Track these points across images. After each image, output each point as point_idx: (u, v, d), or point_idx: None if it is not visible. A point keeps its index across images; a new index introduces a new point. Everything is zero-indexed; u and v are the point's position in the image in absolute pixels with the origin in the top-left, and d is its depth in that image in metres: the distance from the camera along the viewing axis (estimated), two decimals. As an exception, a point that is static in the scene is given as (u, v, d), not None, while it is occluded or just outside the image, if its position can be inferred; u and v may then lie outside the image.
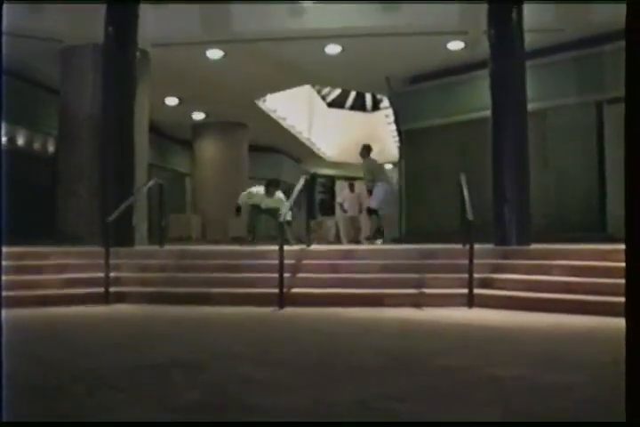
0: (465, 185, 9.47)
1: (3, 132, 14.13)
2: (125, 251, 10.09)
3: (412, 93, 16.10)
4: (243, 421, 2.96)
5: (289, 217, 10.66)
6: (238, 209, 12.95)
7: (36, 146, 16.62)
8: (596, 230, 12.44)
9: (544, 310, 7.20)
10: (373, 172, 13.77)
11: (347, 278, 8.74)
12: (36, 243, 11.08)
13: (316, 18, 12.87)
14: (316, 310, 7.63)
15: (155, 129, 17.15)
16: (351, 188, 18.76)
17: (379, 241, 13.56)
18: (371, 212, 13.79)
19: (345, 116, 27.87)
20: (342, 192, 19.55)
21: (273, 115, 20.58)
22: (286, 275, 8.24)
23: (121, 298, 8.60)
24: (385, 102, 24.87)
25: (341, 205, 18.62)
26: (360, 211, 18.39)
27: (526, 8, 10.01)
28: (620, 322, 2.90)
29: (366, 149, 13.97)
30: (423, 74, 15.49)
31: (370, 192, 13.69)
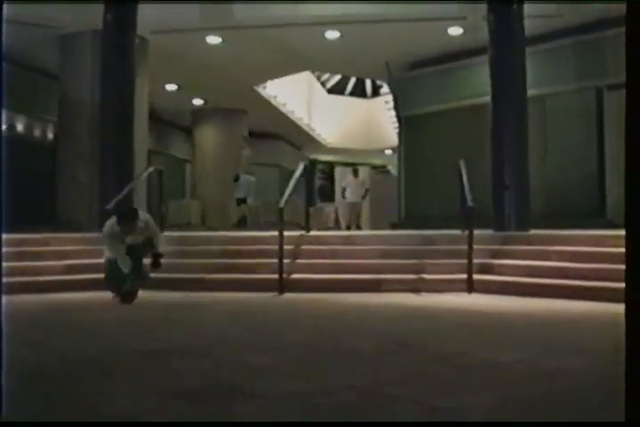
0: (464, 171, 9.48)
1: (3, 118, 14.09)
2: (125, 237, 10.08)
3: (412, 79, 16.05)
4: (243, 421, 2.96)
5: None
6: None
7: (36, 132, 16.59)
8: (596, 216, 12.44)
9: (543, 295, 7.23)
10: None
11: (346, 264, 8.76)
12: (37, 229, 11.08)
13: (315, 4, 12.81)
14: (315, 296, 7.66)
15: (154, 115, 17.11)
16: (355, 173, 18.75)
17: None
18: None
19: (345, 102, 27.78)
20: (346, 177, 19.55)
21: (273, 101, 20.53)
22: (286, 261, 8.27)
23: (121, 284, 8.61)
24: (385, 88, 24.80)
25: (344, 191, 18.60)
26: (363, 197, 18.40)
27: (526, -7, 9.99)
28: (619, 307, 2.91)
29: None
30: (423, 60, 15.43)
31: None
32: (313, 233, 10.36)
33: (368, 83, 27.94)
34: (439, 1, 12.09)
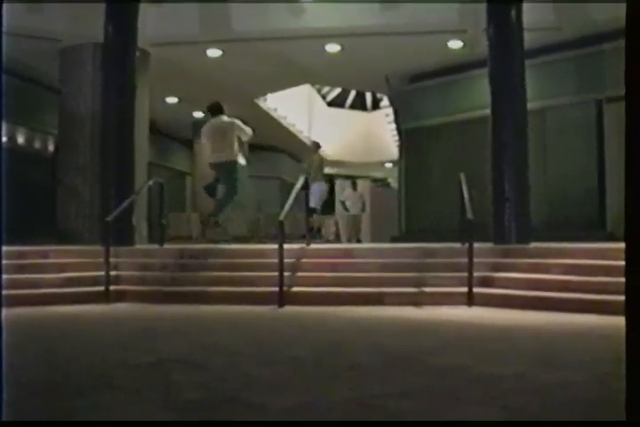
0: (465, 184, 9.47)
1: (3, 131, 14.11)
2: (125, 250, 10.08)
3: (412, 92, 16.10)
4: (243, 420, 2.96)
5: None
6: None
7: (36, 145, 16.62)
8: (596, 229, 12.44)
9: (543, 308, 7.20)
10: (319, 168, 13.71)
11: (346, 277, 8.73)
12: (37, 242, 11.07)
13: (315, 17, 12.88)
14: (315, 309, 7.63)
15: (155, 128, 17.14)
16: (354, 186, 18.78)
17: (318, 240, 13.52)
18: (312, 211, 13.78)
19: (345, 115, 27.87)
20: (345, 191, 19.59)
21: (273, 114, 20.57)
22: (286, 274, 8.24)
23: (121, 297, 8.60)
24: (385, 101, 24.89)
25: (343, 204, 18.63)
26: (363, 209, 18.43)
27: (525, 7, 10.01)
28: (620, 320, 2.90)
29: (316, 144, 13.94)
30: (423, 73, 15.49)
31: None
32: (313, 246, 10.35)
33: (368, 96, 28.06)
34: (440, 0, 12.15)
